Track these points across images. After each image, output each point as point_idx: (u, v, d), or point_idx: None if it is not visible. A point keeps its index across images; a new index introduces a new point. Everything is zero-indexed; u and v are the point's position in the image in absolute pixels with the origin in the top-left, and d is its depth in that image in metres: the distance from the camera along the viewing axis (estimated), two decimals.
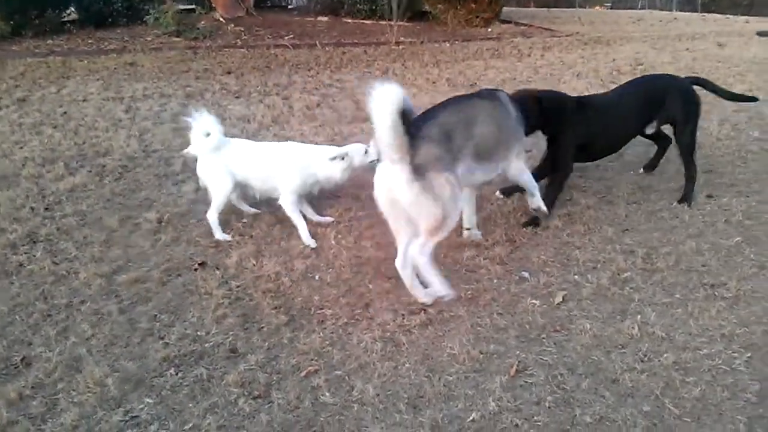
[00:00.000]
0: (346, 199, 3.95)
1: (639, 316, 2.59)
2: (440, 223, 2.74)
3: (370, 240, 3.41)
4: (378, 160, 2.84)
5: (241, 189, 3.71)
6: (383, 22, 11.95)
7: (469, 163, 2.94)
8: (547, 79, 7.15)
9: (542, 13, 16.37)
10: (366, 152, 3.58)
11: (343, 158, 3.55)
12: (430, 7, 13.08)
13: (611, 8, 32.03)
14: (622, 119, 3.89)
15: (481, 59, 8.84)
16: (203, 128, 3.55)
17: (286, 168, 3.58)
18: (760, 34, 10.87)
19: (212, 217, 3.55)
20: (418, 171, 2.64)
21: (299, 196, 3.63)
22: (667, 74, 4.45)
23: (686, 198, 3.82)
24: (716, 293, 2.77)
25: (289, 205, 3.56)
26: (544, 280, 2.94)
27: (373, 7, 13.08)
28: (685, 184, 3.88)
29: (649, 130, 4.01)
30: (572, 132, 3.67)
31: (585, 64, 7.98)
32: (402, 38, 10.67)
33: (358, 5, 13.41)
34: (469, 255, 3.19)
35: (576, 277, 2.97)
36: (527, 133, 3.49)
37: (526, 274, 3.01)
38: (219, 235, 3.53)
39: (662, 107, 3.86)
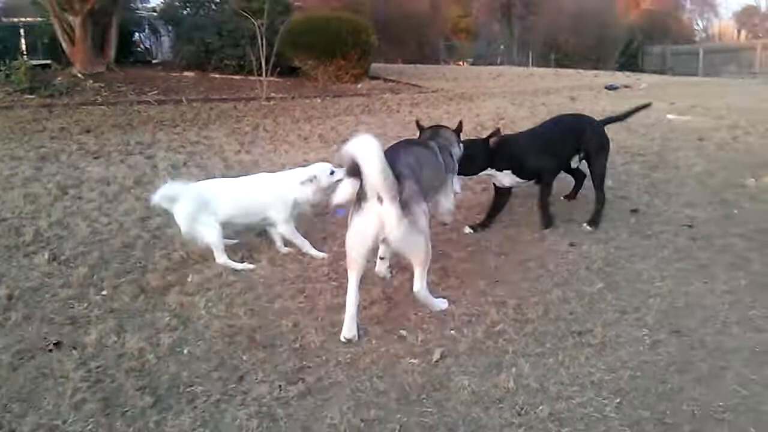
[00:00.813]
0: (215, 265, 3.81)
1: (514, 369, 2.65)
2: (425, 253, 3.12)
3: (243, 306, 3.28)
4: (340, 180, 3.23)
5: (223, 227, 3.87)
6: (252, 78, 11.96)
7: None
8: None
9: (409, 70, 17.11)
10: (331, 173, 3.94)
11: (311, 180, 3.90)
12: (299, 63, 13.27)
13: (473, 64, 34.22)
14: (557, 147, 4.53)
15: (352, 115, 9.04)
16: (168, 197, 3.74)
17: (274, 198, 3.93)
18: (608, 87, 11.93)
19: (222, 259, 3.78)
20: (405, 207, 2.94)
21: (294, 220, 4.00)
22: (584, 114, 5.22)
23: (595, 221, 4.44)
24: (584, 340, 2.90)
25: (289, 232, 3.96)
26: (422, 337, 2.95)
27: (242, 63, 13.02)
28: (594, 209, 4.50)
29: (574, 164, 4.71)
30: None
31: (451, 119, 8.34)
32: (272, 94, 10.73)
33: (226, 60, 13.33)
34: None
35: (452, 332, 3.01)
36: (476, 172, 4.29)
37: (404, 333, 3.02)
38: (240, 266, 3.78)
39: (582, 141, 4.54)
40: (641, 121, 7.32)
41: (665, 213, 4.64)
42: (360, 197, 3.00)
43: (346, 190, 3.08)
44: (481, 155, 4.24)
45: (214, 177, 5.55)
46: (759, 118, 7.92)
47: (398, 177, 2.92)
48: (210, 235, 3.77)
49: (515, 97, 10.65)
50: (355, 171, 2.95)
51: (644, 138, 6.85)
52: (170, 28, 14.56)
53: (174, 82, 12.20)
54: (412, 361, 2.75)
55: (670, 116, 7.94)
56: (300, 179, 3.91)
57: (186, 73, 13.12)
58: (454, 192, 3.85)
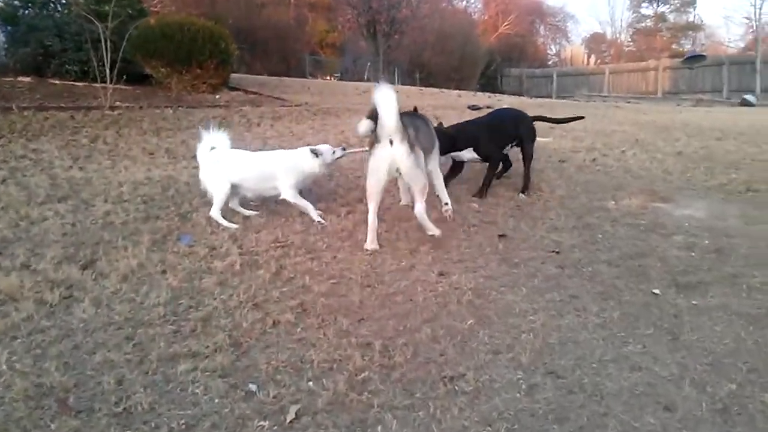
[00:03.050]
0: (25, 306, 3.21)
1: (380, 427, 2.36)
2: (424, 184, 4.26)
3: (55, 359, 2.75)
4: (377, 141, 4.15)
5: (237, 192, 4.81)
6: (97, 85, 10.98)
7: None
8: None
9: (273, 82, 16.63)
10: (333, 152, 4.97)
11: (317, 155, 4.83)
12: (151, 71, 12.38)
13: (340, 79, 34.28)
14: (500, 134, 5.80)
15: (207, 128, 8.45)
16: (210, 143, 4.86)
17: (283, 170, 4.81)
18: (471, 107, 12.18)
19: (215, 213, 4.61)
20: (411, 148, 4.13)
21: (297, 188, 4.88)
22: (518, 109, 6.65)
23: (525, 188, 5.83)
24: (457, 387, 2.67)
25: (292, 197, 4.80)
26: (275, 392, 2.59)
27: (85, 68, 11.85)
28: (523, 182, 5.86)
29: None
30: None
31: (315, 135, 8.06)
32: (118, 102, 9.87)
33: (67, 65, 12.16)
34: (184, 369, 2.72)
35: (310, 383, 2.66)
36: (443, 153, 5.28)
37: (253, 388, 2.63)
38: (226, 224, 4.58)
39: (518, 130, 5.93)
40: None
41: (532, 238, 4.59)
42: (374, 143, 4.22)
43: (366, 125, 4.37)
44: (449, 139, 5.43)
45: (37, 196, 4.93)
46: (613, 141, 8.32)
47: (404, 127, 4.10)
48: (218, 190, 4.66)
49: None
50: (373, 115, 4.18)
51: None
52: (8, 28, 13.08)
53: (6, 87, 10.89)
54: (261, 423, 2.37)
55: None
56: (309, 154, 4.83)
57: (21, 78, 11.81)
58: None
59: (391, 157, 4.11)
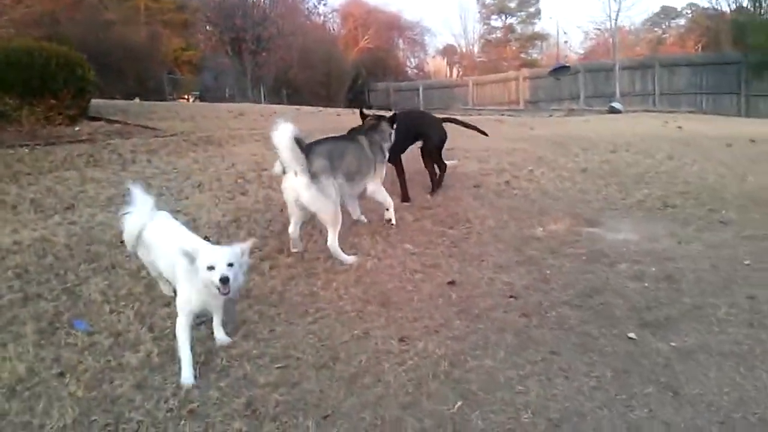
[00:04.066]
0: None
1: None
2: (333, 214, 4.39)
3: None
4: (284, 172, 4.39)
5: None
6: None
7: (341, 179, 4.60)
8: (165, 195, 6.18)
9: (134, 107, 15.34)
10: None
11: None
12: None
13: (201, 99, 32.85)
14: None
15: (74, 169, 7.40)
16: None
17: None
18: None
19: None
20: (314, 177, 4.26)
21: None
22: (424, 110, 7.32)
23: (437, 186, 6.43)
24: None
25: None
26: None
27: None
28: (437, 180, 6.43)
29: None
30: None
31: (203, 171, 7.26)
32: None
33: None
34: None
35: None
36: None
37: None
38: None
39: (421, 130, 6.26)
40: (409, 167, 7.04)
41: (482, 282, 4.20)
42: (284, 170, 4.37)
43: (278, 164, 4.50)
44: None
45: None
46: (517, 160, 8.20)
47: (311, 156, 4.27)
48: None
49: (269, 141, 9.72)
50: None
51: (423, 188, 6.52)
52: None
53: None
54: None
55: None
56: None
57: None
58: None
59: (291, 188, 4.38)
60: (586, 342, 3.41)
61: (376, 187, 5.12)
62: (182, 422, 2.62)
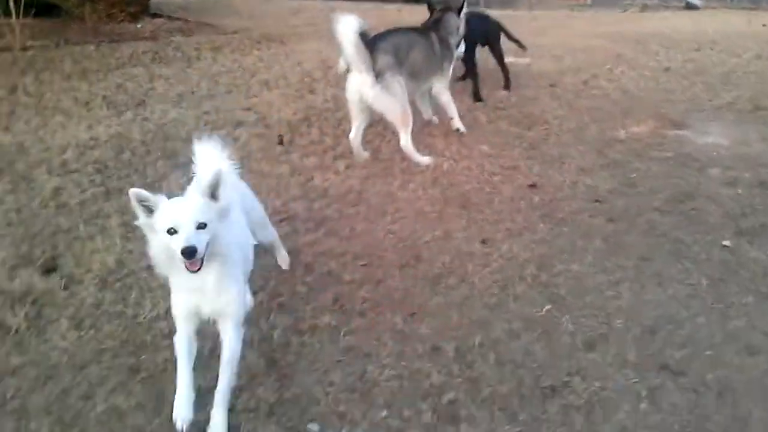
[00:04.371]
0: None
1: None
2: (401, 114, 4.21)
3: (44, 416, 2.08)
4: (348, 70, 4.18)
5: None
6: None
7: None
8: (235, 91, 6.13)
9: (195, 5, 15.11)
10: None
11: None
12: (60, 0, 10.81)
13: None
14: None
15: (141, 66, 7.39)
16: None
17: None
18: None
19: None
20: (379, 75, 4.03)
21: None
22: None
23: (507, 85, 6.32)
24: (564, 401, 2.19)
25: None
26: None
27: None
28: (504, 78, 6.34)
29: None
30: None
31: (268, 69, 7.15)
32: (30, 42, 8.49)
33: None
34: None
35: (385, 414, 2.09)
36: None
37: (315, 429, 2.07)
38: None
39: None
40: (482, 66, 6.75)
41: (565, 186, 4.06)
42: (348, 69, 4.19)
43: (342, 61, 4.45)
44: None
45: None
46: (595, 59, 7.79)
47: (376, 52, 4.04)
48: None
49: (332, 38, 9.45)
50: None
51: (496, 86, 6.28)
52: None
53: None
54: None
55: (509, 59, 7.47)
56: None
57: None
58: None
59: (356, 86, 4.17)
60: (679, 249, 3.27)
61: (442, 88, 4.81)
62: (273, 315, 2.65)
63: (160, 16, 12.20)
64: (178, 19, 12.13)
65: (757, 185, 4.08)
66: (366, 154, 4.45)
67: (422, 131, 4.94)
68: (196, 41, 9.09)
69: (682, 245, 3.30)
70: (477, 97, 5.88)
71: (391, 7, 17.38)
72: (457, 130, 4.91)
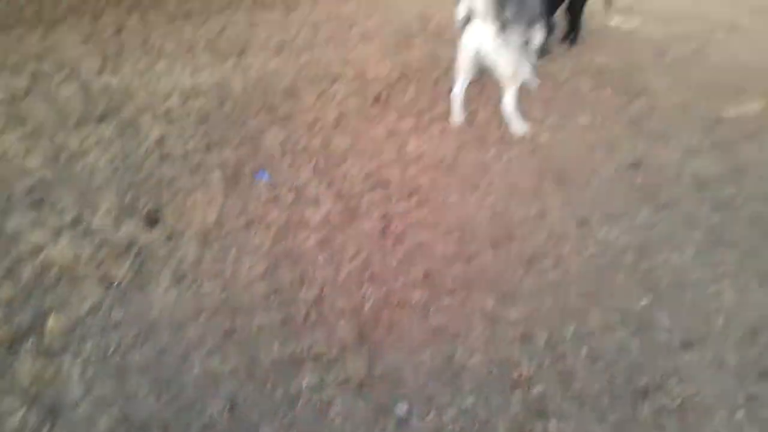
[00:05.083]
0: None
1: None
2: (515, 72, 4.07)
3: (142, 375, 2.20)
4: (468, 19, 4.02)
5: None
6: None
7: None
8: (333, 42, 6.09)
9: None
10: None
11: None
12: None
13: None
14: None
15: (242, 10, 7.43)
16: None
17: None
18: None
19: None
20: (502, 29, 3.86)
21: None
22: None
23: (575, 38, 6.16)
24: (656, 403, 2.11)
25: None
26: (431, 416, 2.02)
27: None
28: (574, 33, 6.14)
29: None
30: None
31: (367, 19, 7.05)
32: None
33: None
34: (309, 384, 2.14)
35: (471, 401, 2.09)
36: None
37: (403, 410, 2.12)
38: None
39: None
40: (588, 28, 6.43)
41: (669, 166, 3.85)
42: (469, 19, 4.02)
43: (462, 10, 4.08)
44: None
45: (71, 116, 4.15)
46: (709, 27, 7.25)
47: (502, 5, 3.84)
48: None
49: None
50: None
51: (601, 52, 5.98)
52: None
53: None
54: None
55: (614, 22, 7.09)
56: None
57: None
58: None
59: (479, 38, 4.01)
60: None
61: (541, 37, 4.50)
62: (363, 287, 2.67)
63: None
64: None
65: None
66: (463, 116, 4.34)
67: (521, 97, 4.78)
68: None
69: None
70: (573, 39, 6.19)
71: None
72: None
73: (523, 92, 4.73)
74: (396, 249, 2.94)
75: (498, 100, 4.29)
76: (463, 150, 3.98)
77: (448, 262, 2.86)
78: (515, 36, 3.98)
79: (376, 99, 4.65)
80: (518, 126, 4.21)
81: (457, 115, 4.33)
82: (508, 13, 3.88)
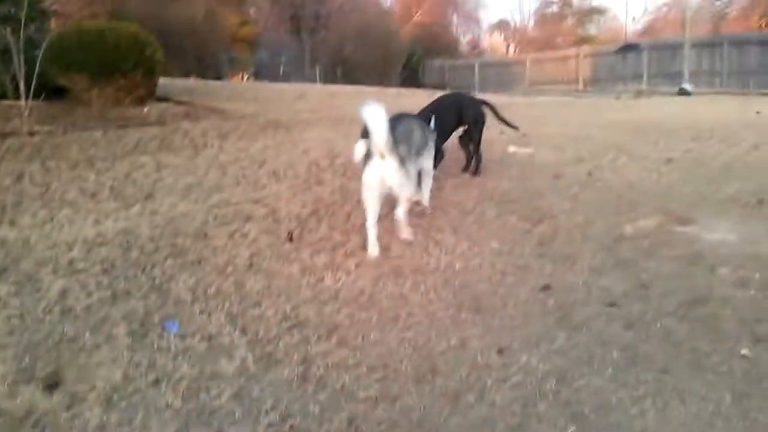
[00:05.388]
0: None
1: None
2: (412, 193, 4.56)
3: None
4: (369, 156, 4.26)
5: None
6: (7, 102, 9.66)
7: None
8: (243, 182, 6.13)
9: (200, 87, 15.46)
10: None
11: None
12: (68, 84, 11.00)
13: (255, 76, 33.10)
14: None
15: (148, 154, 7.44)
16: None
17: None
18: None
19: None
20: (402, 160, 4.22)
21: None
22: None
23: (477, 171, 6.49)
24: None
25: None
26: None
27: None
28: (475, 164, 6.50)
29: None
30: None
31: (276, 158, 7.20)
32: (37, 126, 8.59)
33: None
34: None
35: None
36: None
37: None
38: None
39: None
40: (486, 156, 6.81)
41: (577, 287, 3.98)
42: (367, 156, 4.27)
43: (361, 148, 4.37)
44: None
45: None
46: (596, 149, 7.87)
47: (396, 138, 4.18)
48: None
49: (336, 125, 9.63)
50: (365, 134, 4.17)
51: (502, 178, 6.31)
52: None
53: None
54: None
55: (511, 149, 7.56)
56: None
57: None
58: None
59: (381, 172, 4.25)
60: (699, 359, 3.17)
61: (429, 165, 5.21)
62: None
63: (167, 100, 12.44)
64: (184, 103, 12.38)
65: None
66: (378, 249, 4.45)
67: (431, 225, 4.92)
68: (202, 127, 9.21)
69: (700, 355, 3.20)
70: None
71: (391, 91, 17.84)
72: (418, 203, 5.24)
73: (435, 220, 4.88)
74: (317, 395, 2.82)
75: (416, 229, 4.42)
76: (380, 283, 3.98)
77: (372, 405, 2.76)
78: (413, 167, 4.47)
79: (289, 237, 4.64)
80: (407, 233, 4.62)
81: (373, 247, 4.40)
82: (402, 148, 4.26)
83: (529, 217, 5.24)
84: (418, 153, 4.79)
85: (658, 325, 3.52)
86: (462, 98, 6.81)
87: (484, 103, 6.60)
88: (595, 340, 3.34)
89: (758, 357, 3.19)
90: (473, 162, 6.54)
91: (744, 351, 3.25)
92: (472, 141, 6.44)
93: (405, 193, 4.42)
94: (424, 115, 5.80)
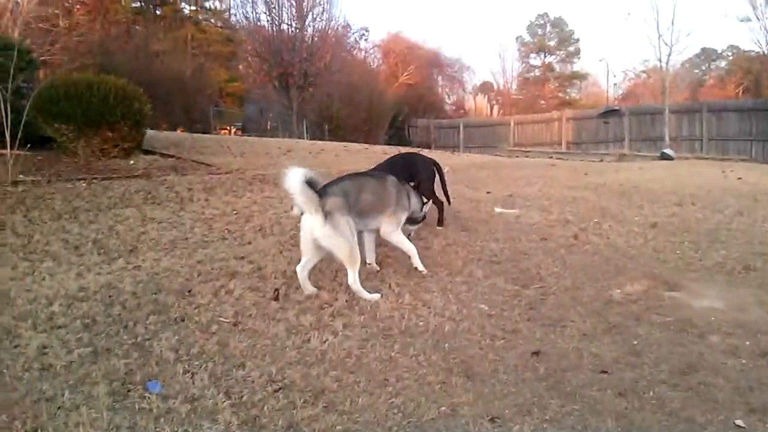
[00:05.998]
0: None
1: None
2: (347, 252, 4.50)
3: None
4: (302, 213, 4.58)
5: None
6: None
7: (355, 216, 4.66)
8: (228, 237, 6.07)
9: (187, 141, 15.48)
10: None
11: None
12: (54, 134, 10.96)
13: (242, 130, 33.45)
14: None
15: (133, 206, 7.37)
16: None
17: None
18: None
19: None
20: (327, 216, 4.41)
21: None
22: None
23: (440, 221, 6.66)
24: None
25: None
26: None
27: None
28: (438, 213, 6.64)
29: None
30: None
31: (262, 213, 7.16)
32: (22, 176, 8.50)
33: None
34: None
35: None
36: None
37: None
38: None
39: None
40: (473, 216, 6.86)
41: (569, 354, 3.94)
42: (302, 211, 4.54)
43: (296, 207, 4.86)
44: None
45: None
46: (581, 211, 7.93)
47: (326, 195, 4.45)
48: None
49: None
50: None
51: (488, 239, 6.31)
52: None
53: None
54: None
55: (498, 209, 7.60)
56: None
57: None
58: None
59: (307, 226, 4.52)
60: (693, 430, 3.13)
61: (391, 229, 5.09)
62: None
63: (153, 152, 12.41)
64: (170, 156, 12.35)
65: (760, 355, 4.01)
66: (313, 289, 4.66)
67: (419, 286, 4.87)
68: (189, 181, 9.18)
69: (694, 425, 3.16)
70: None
71: (377, 149, 18.00)
72: (416, 268, 5.17)
73: (422, 281, 4.85)
74: None
75: (393, 286, 4.41)
76: (368, 344, 3.91)
77: None
78: (344, 223, 4.50)
79: (275, 295, 4.57)
80: (368, 297, 4.57)
81: (305, 288, 4.67)
82: (331, 205, 4.44)
83: (517, 279, 5.22)
84: (366, 213, 4.85)
85: (651, 393, 3.48)
86: (414, 158, 7.07)
87: (435, 163, 6.79)
88: (588, 408, 3.28)
89: (753, 427, 3.16)
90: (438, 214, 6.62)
91: (738, 421, 3.21)
92: (424, 190, 6.41)
93: (338, 250, 4.50)
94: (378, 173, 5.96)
